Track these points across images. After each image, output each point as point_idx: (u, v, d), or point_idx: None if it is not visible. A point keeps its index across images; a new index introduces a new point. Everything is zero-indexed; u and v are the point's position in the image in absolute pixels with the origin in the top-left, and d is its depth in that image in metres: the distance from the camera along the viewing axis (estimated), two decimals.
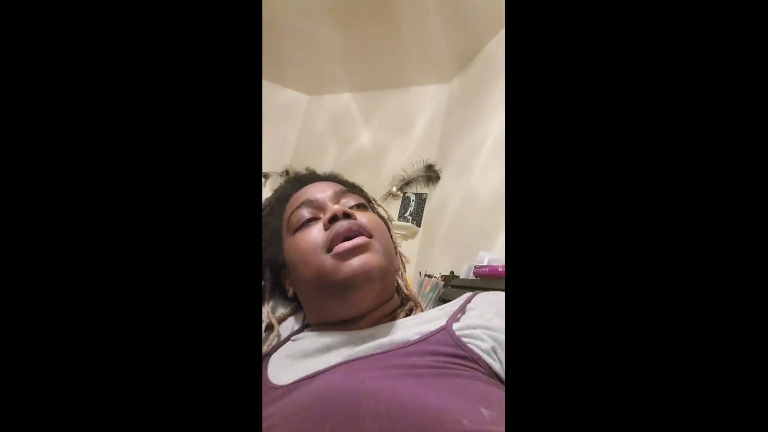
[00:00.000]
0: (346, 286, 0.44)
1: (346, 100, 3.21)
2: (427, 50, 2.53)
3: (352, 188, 0.56)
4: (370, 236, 0.47)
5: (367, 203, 0.55)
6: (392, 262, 0.50)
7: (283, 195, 0.55)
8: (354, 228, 0.46)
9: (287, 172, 3.08)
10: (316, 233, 0.47)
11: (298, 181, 0.56)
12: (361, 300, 0.45)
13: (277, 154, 3.02)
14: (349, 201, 0.52)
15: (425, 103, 2.89)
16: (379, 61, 2.74)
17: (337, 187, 0.53)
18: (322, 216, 0.49)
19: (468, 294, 0.47)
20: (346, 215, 0.47)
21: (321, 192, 0.51)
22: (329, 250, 0.45)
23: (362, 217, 0.49)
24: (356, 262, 0.44)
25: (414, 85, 2.95)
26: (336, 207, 0.47)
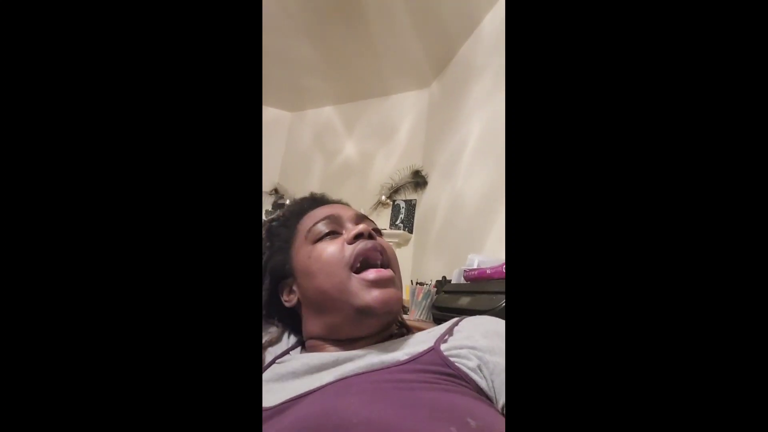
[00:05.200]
0: (366, 312, 0.46)
1: (328, 113, 3.23)
2: (403, 57, 2.55)
3: (365, 217, 0.60)
4: (388, 265, 0.50)
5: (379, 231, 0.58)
6: (403, 294, 0.52)
7: (300, 210, 0.57)
8: (378, 249, 0.49)
9: (276, 190, 3.08)
10: (339, 247, 0.48)
11: (314, 200, 0.59)
12: (375, 326, 0.47)
13: (265, 173, 3.02)
14: (369, 225, 0.54)
15: (406, 109, 2.90)
16: (356, 72, 2.76)
17: (358, 211, 0.57)
18: (343, 232, 0.51)
19: (455, 318, 0.49)
20: (371, 236, 0.50)
21: (344, 211, 0.54)
22: (352, 266, 0.47)
23: (382, 242, 0.52)
24: (382, 295, 0.46)
25: (394, 92, 2.97)
26: (362, 226, 0.50)
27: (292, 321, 0.55)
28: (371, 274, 0.46)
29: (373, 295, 0.45)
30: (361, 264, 0.48)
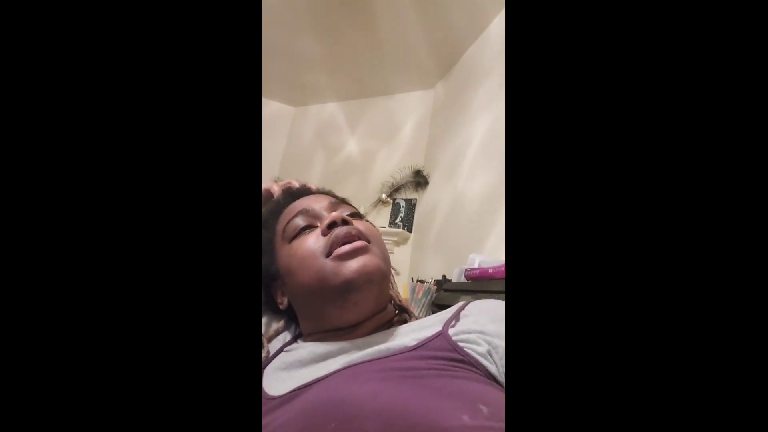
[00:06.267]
0: (347, 288, 0.44)
1: (331, 109, 3.23)
2: (409, 57, 2.55)
3: (344, 201, 0.57)
4: (368, 241, 0.48)
5: (361, 215, 0.56)
6: (389, 267, 0.50)
7: (276, 208, 0.56)
8: (353, 233, 0.47)
9: None
10: (314, 239, 0.47)
11: (290, 195, 0.57)
12: (360, 303, 0.45)
13: (266, 166, 3.01)
14: (345, 210, 0.53)
15: (410, 109, 2.91)
16: (362, 70, 2.76)
17: (332, 199, 0.55)
18: (318, 224, 0.50)
19: (461, 302, 0.48)
20: (345, 222, 0.48)
21: (317, 202, 0.53)
22: (329, 254, 0.45)
23: (359, 225, 0.50)
24: (356, 263, 0.45)
25: (398, 92, 2.97)
26: (334, 214, 0.48)
27: (291, 320, 0.55)
28: (342, 249, 0.45)
29: (349, 268, 0.44)
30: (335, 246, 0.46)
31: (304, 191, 0.58)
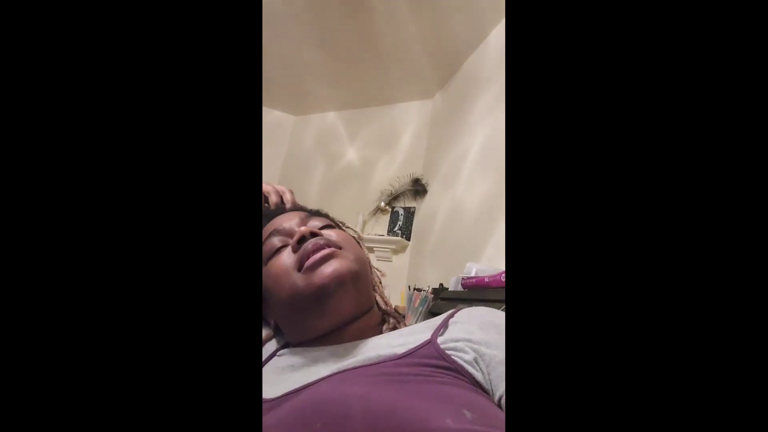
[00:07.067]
0: (321, 295, 0.45)
1: (331, 118, 3.25)
2: (409, 67, 2.58)
3: (318, 213, 0.57)
4: (339, 248, 0.48)
5: (335, 225, 0.56)
6: (365, 268, 0.51)
7: None
8: (321, 243, 0.47)
9: None
10: (286, 257, 0.48)
11: (265, 216, 0.57)
12: (338, 307, 0.46)
13: (266, 174, 3.03)
14: (317, 222, 0.53)
15: (410, 118, 2.93)
16: (362, 79, 2.79)
17: (303, 214, 0.55)
18: (290, 242, 0.50)
19: (450, 310, 0.49)
20: (313, 234, 0.49)
21: (288, 221, 0.53)
22: (300, 269, 0.46)
23: (330, 234, 0.51)
24: (326, 269, 0.45)
25: (398, 101, 3.00)
26: (302, 228, 0.49)
27: (280, 330, 0.56)
28: (311, 259, 0.46)
29: (319, 275, 0.45)
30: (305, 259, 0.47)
31: (276, 210, 0.58)
